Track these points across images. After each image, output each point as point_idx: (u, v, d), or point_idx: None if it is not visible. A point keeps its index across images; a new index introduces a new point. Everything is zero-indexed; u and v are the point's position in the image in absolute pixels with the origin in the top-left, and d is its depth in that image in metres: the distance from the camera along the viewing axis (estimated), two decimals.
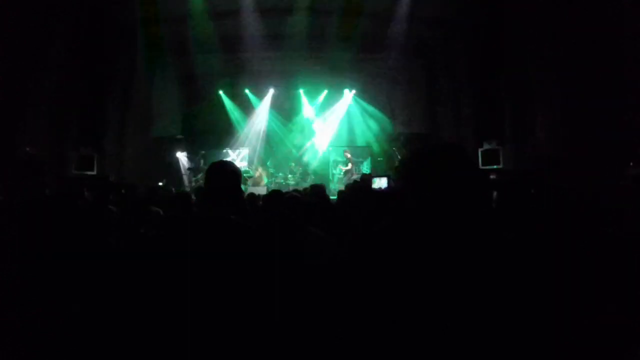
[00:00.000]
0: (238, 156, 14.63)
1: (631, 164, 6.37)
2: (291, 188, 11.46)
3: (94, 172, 10.03)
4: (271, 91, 15.28)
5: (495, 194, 4.55)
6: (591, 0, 7.14)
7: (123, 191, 7.84)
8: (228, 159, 13.00)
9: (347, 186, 4.87)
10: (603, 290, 2.28)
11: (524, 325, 1.22)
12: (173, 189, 8.99)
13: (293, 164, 14.82)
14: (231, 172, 2.28)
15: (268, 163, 15.19)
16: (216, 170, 2.29)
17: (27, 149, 7.87)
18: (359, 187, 4.32)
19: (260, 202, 6.11)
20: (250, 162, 14.65)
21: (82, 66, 9.17)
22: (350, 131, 15.53)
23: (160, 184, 12.65)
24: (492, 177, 9.57)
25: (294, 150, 15.49)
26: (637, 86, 6.27)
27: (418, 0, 10.66)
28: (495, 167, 10.21)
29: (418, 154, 1.39)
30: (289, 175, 14.40)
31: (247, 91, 15.24)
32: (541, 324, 1.29)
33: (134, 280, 2.66)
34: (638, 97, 6.28)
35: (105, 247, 3.49)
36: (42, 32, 8.38)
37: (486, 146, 10.59)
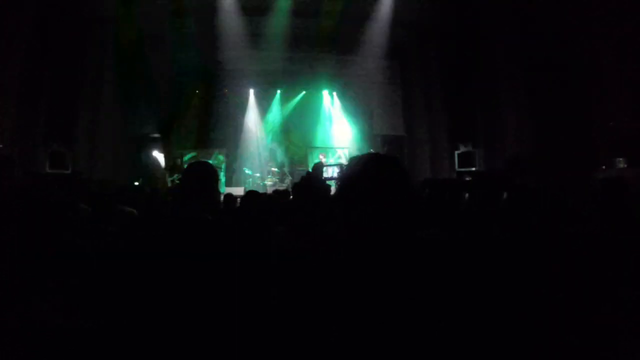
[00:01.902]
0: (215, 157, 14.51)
1: (604, 167, 6.53)
2: (269, 189, 11.49)
3: (68, 170, 9.82)
4: (251, 91, 15.25)
5: (466, 195, 4.62)
6: (559, 7, 7.31)
7: (96, 190, 7.71)
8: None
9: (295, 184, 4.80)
10: (565, 289, 2.32)
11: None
12: (148, 189, 8.87)
13: (270, 165, 14.77)
14: (207, 173, 2.30)
15: (247, 164, 15.11)
16: (192, 171, 2.31)
17: None
18: (303, 183, 4.27)
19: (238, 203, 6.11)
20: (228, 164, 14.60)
21: (51, 60, 8.95)
22: (328, 133, 15.56)
23: (137, 183, 12.49)
24: (467, 179, 9.71)
25: (272, 151, 15.45)
26: (605, 91, 6.44)
27: (394, 4, 10.76)
28: (471, 169, 10.36)
29: (351, 165, 1.42)
30: (268, 176, 14.34)
31: (226, 90, 15.15)
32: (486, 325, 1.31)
33: (101, 281, 2.61)
34: (605, 101, 6.45)
35: (74, 246, 3.42)
36: (6, 23, 8.16)
37: (462, 149, 10.73)
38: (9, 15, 8.19)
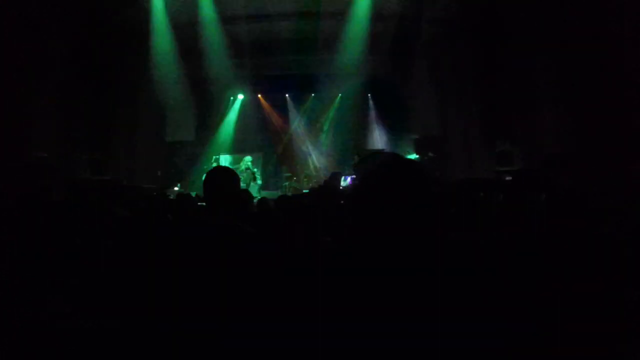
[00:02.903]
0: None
1: None
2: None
3: (108, 177, 10.15)
4: (287, 96, 15.40)
5: (500, 196, 4.47)
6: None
7: (132, 194, 7.96)
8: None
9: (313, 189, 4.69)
10: (600, 293, 2.20)
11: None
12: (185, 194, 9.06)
13: (307, 169, 14.84)
14: (227, 178, 2.29)
15: (283, 168, 15.26)
16: (212, 177, 2.30)
17: (38, 152, 8.00)
18: (325, 188, 4.23)
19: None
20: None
21: (90, 70, 9.28)
22: (363, 135, 15.49)
23: (176, 188, 12.81)
24: (507, 178, 9.42)
25: (308, 155, 15.54)
26: None
27: (422, 1, 10.58)
28: (510, 168, 10.04)
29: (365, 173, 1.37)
30: (304, 180, 14.41)
31: (259, 96, 15.37)
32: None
33: (127, 284, 2.65)
34: None
35: (107, 250, 3.51)
36: (47, 36, 8.53)
37: (499, 147, 10.43)
38: (50, 30, 8.57)
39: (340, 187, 7.48)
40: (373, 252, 1.24)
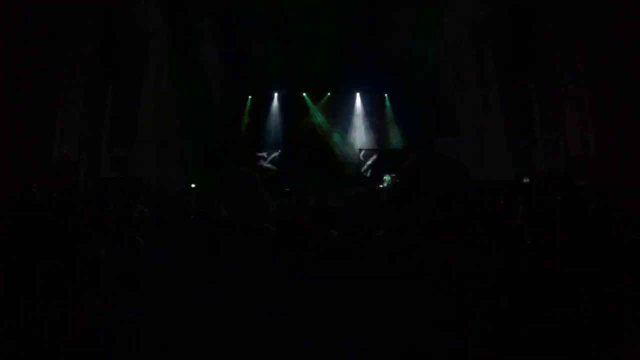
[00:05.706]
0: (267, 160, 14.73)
1: None
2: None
3: (128, 173, 10.30)
4: (304, 95, 15.40)
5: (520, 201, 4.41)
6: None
7: (154, 192, 8.05)
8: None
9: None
10: (627, 300, 2.18)
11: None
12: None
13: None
14: (249, 179, 2.33)
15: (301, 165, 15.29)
16: (235, 177, 2.34)
17: (64, 151, 8.16)
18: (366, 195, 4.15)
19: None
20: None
21: (114, 72, 9.45)
22: (380, 134, 15.46)
23: (193, 185, 12.91)
24: (525, 180, 9.32)
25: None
26: None
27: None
28: (529, 169, 9.96)
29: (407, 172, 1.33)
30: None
31: (275, 95, 15.43)
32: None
33: (157, 282, 2.69)
34: None
35: (132, 247, 3.56)
36: (72, 37, 8.69)
37: (519, 148, 10.34)
38: (76, 35, 8.74)
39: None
40: (411, 252, 1.22)
